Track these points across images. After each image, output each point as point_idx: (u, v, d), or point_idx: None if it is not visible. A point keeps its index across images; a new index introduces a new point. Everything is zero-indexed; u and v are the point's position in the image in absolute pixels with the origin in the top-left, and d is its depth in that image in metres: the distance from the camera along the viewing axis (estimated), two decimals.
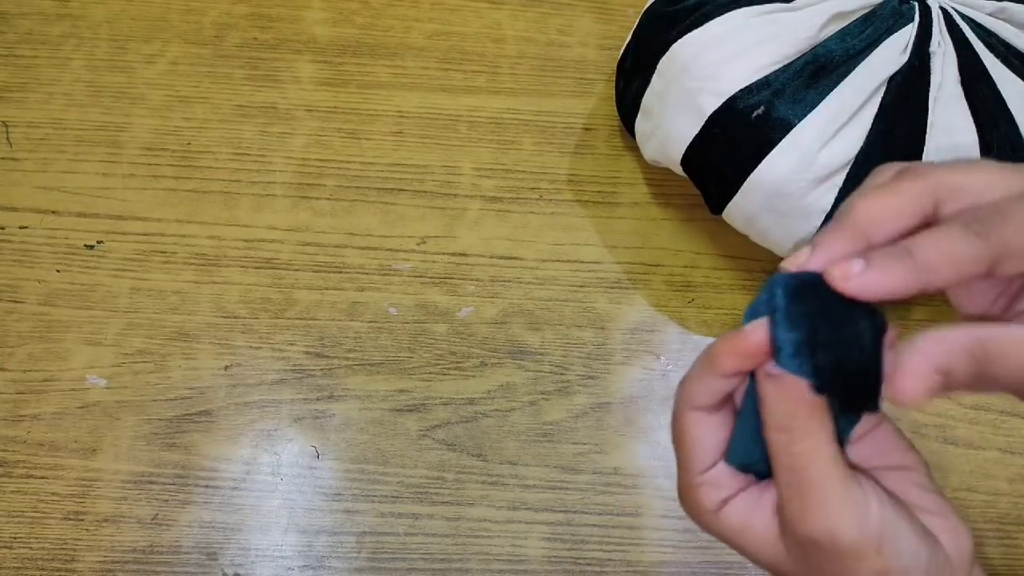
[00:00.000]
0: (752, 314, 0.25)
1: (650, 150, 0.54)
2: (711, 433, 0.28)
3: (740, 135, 0.48)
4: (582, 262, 0.55)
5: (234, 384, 0.50)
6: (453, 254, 0.55)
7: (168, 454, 0.48)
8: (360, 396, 0.50)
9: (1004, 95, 0.48)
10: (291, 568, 0.46)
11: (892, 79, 0.47)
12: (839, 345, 0.24)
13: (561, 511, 0.48)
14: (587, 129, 0.60)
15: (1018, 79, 0.48)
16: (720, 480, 0.28)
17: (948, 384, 0.24)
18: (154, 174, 0.55)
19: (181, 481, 0.47)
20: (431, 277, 0.54)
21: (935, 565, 0.26)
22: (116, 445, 0.48)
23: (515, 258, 0.55)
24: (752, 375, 0.26)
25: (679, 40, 0.49)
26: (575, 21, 0.64)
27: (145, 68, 0.59)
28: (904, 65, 0.47)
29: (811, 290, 0.25)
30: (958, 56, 0.48)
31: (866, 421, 0.29)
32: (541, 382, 0.51)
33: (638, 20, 0.55)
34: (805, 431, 0.25)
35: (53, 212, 0.54)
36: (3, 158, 0.55)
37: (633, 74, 0.54)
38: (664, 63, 0.51)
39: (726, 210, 0.51)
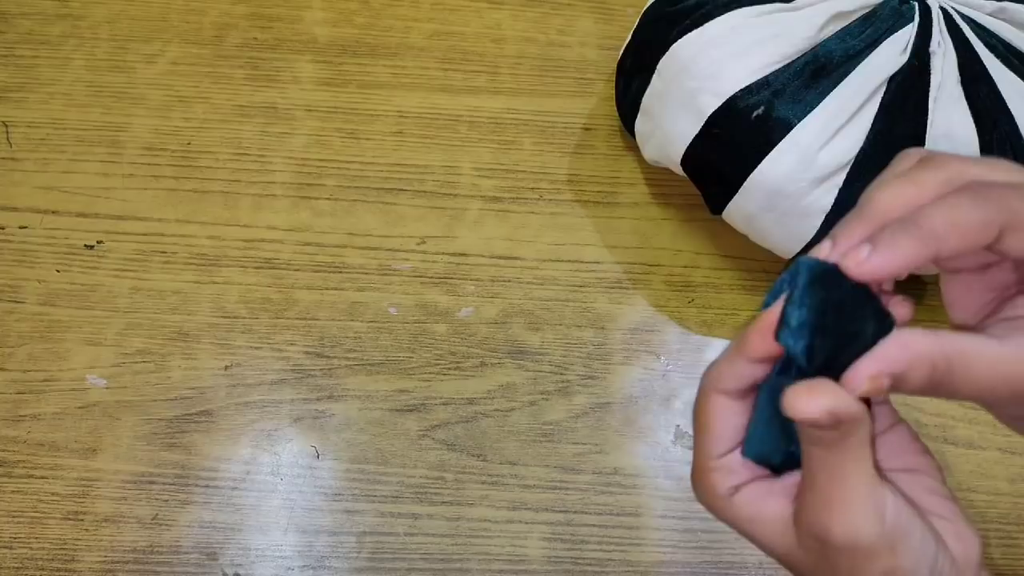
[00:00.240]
0: (775, 290, 0.26)
1: (650, 150, 0.54)
2: (732, 418, 0.28)
3: (740, 135, 0.48)
4: (582, 262, 0.55)
5: (234, 384, 0.50)
6: (453, 254, 0.55)
7: (168, 454, 0.48)
8: (360, 396, 0.50)
9: (1004, 95, 0.48)
10: (291, 568, 0.46)
11: (892, 79, 0.47)
12: (840, 337, 0.25)
13: (561, 511, 0.48)
14: (587, 129, 0.60)
15: (1018, 79, 0.48)
16: (734, 466, 0.28)
17: (898, 388, 0.25)
18: (154, 174, 0.55)
19: (181, 481, 0.47)
20: (431, 277, 0.54)
21: (941, 568, 0.26)
22: (116, 445, 0.48)
23: (515, 258, 0.55)
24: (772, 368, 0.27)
25: (679, 40, 0.49)
26: (575, 21, 0.64)
27: (145, 68, 0.59)
28: (904, 65, 0.47)
29: (832, 279, 0.25)
30: (958, 56, 0.48)
31: (882, 421, 0.29)
32: (541, 382, 0.51)
33: (638, 20, 0.55)
34: (848, 433, 0.25)
35: (53, 212, 0.54)
36: (3, 158, 0.55)
37: (633, 74, 0.54)
38: (664, 63, 0.51)
39: (726, 210, 0.51)
